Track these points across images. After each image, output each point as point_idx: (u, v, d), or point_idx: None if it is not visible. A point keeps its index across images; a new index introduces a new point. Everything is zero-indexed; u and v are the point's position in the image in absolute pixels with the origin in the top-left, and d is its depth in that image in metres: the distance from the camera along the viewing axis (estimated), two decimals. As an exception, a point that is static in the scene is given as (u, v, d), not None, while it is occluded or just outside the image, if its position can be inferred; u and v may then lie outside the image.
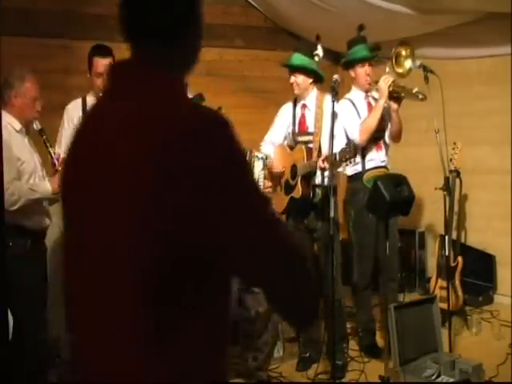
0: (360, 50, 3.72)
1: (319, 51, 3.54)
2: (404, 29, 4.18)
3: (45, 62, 4.17)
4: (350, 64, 3.76)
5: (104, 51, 3.27)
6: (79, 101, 3.32)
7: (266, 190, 3.47)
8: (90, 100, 3.32)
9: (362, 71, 3.72)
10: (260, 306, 3.29)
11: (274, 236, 1.01)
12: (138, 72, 1.07)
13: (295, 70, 3.55)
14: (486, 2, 3.85)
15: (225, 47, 5.25)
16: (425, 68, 3.50)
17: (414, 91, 3.50)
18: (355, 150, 3.10)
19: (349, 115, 3.68)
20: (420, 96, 3.47)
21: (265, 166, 3.49)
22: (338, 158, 3.13)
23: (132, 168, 0.96)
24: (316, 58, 3.55)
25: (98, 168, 1.02)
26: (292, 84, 3.58)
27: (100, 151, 1.02)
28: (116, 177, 0.98)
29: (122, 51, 4.05)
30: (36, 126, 3.00)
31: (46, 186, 2.94)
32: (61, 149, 3.17)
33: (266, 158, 3.51)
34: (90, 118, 1.13)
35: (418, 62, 3.51)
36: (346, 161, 3.12)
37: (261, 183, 3.45)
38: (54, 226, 3.20)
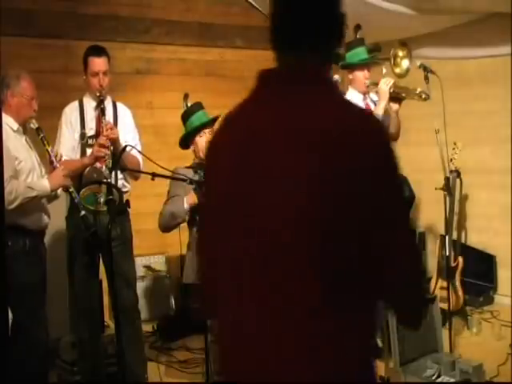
0: (359, 53, 3.69)
1: None
2: (404, 29, 4.18)
3: (45, 62, 4.19)
4: (349, 67, 3.74)
5: (99, 51, 3.27)
6: (76, 103, 3.33)
7: None
8: (87, 101, 3.32)
9: (361, 74, 3.70)
10: None
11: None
12: (301, 78, 1.14)
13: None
14: (486, 2, 3.86)
15: (225, 47, 5.26)
16: (425, 68, 3.49)
17: (417, 91, 3.50)
18: None
19: None
20: (423, 96, 3.46)
21: None
22: None
23: (316, 167, 1.05)
24: None
25: (278, 169, 1.08)
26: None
27: (274, 153, 1.09)
28: (297, 173, 1.06)
29: (120, 51, 4.10)
30: (33, 124, 3.00)
31: (44, 183, 2.93)
32: (60, 150, 3.17)
33: None
34: (250, 121, 1.19)
35: (418, 62, 3.51)
36: None
37: None
38: (54, 226, 3.21)
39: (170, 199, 3.34)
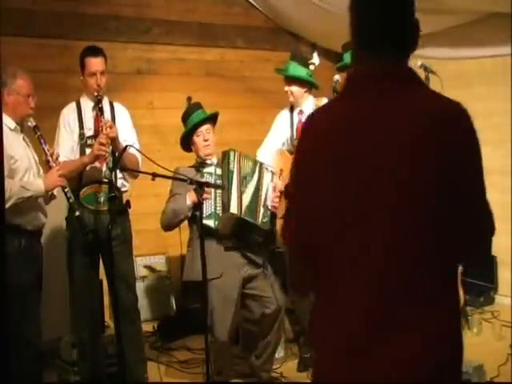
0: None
1: (315, 60, 3.57)
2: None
3: (45, 63, 4.19)
4: (345, 68, 3.73)
5: (96, 51, 3.27)
6: (73, 104, 3.33)
7: (275, 201, 3.45)
8: (84, 102, 3.32)
9: None
10: (267, 309, 3.27)
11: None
12: (396, 77, 1.29)
13: (290, 80, 3.56)
14: (486, 2, 3.85)
15: (226, 47, 5.26)
16: (426, 68, 3.49)
17: None
18: None
19: None
20: None
21: (272, 179, 3.49)
22: None
23: (419, 152, 1.22)
24: (311, 67, 3.57)
25: (385, 157, 1.24)
26: (286, 93, 3.61)
27: (383, 144, 1.24)
28: (405, 160, 1.23)
29: (120, 51, 4.10)
30: (30, 123, 2.99)
31: (39, 183, 2.92)
32: (59, 151, 3.15)
33: (272, 172, 3.53)
34: (351, 114, 1.30)
35: (419, 62, 3.50)
36: None
37: (269, 192, 3.43)
38: (53, 227, 3.21)
39: (171, 198, 3.34)
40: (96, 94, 3.21)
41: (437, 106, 1.26)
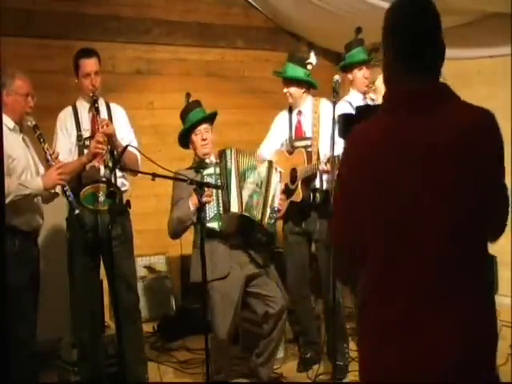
0: (358, 54, 3.71)
1: (312, 59, 3.57)
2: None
3: (45, 63, 4.20)
4: (349, 67, 3.75)
5: (89, 52, 3.29)
6: (69, 108, 3.34)
7: (280, 203, 3.43)
8: (80, 104, 3.33)
9: (360, 74, 3.72)
10: (270, 308, 3.27)
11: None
12: (443, 94, 1.49)
13: (288, 81, 3.57)
14: (486, 2, 3.86)
15: (226, 48, 5.28)
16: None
17: None
18: None
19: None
20: None
21: (281, 180, 3.46)
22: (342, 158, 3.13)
23: (458, 158, 1.41)
24: (309, 67, 3.57)
25: (435, 162, 1.41)
26: (285, 94, 3.61)
27: (437, 151, 1.41)
28: (451, 166, 1.41)
29: (120, 51, 4.08)
30: (30, 122, 3.00)
31: (38, 182, 2.92)
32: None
33: (280, 172, 3.47)
34: (400, 129, 1.47)
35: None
36: None
37: (277, 193, 3.41)
38: (54, 227, 3.21)
39: (175, 205, 3.34)
40: (91, 94, 3.21)
41: (471, 118, 1.45)
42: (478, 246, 1.47)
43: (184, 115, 3.45)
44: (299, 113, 3.67)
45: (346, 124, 1.78)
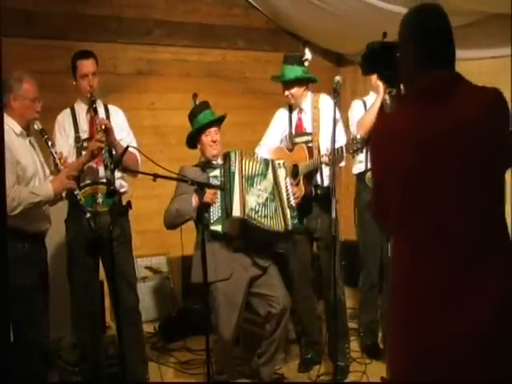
0: None
1: (308, 55, 3.58)
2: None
3: (46, 64, 4.21)
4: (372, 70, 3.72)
5: (86, 53, 3.30)
6: (68, 110, 3.35)
7: (297, 196, 3.41)
8: (78, 106, 3.34)
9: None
10: (273, 308, 3.28)
11: None
12: (459, 81, 1.68)
13: (288, 83, 3.57)
14: (486, 3, 3.86)
15: (227, 49, 5.29)
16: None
17: None
18: (362, 142, 3.12)
19: (357, 114, 3.73)
20: None
21: (288, 173, 3.45)
22: (344, 150, 3.17)
23: (478, 129, 1.60)
24: (306, 64, 3.58)
25: (457, 138, 1.60)
26: (287, 96, 3.61)
27: (450, 128, 1.60)
28: (469, 139, 1.59)
29: (122, 52, 4.06)
30: (37, 126, 2.98)
31: (48, 187, 2.90)
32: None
33: (285, 165, 3.46)
34: (425, 114, 1.65)
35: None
36: (353, 152, 3.16)
37: (289, 190, 3.39)
38: (54, 228, 3.20)
39: (176, 197, 3.34)
40: (89, 95, 3.22)
41: (486, 96, 1.63)
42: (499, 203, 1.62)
43: (192, 116, 3.45)
44: (300, 110, 3.67)
45: (369, 61, 1.97)
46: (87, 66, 3.25)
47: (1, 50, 1.32)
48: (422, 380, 1.58)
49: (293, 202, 3.38)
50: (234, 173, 3.30)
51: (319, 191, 3.53)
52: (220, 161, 3.43)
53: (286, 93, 3.60)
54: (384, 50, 1.92)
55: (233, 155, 3.34)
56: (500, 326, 1.51)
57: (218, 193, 3.27)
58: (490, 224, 1.58)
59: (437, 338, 1.54)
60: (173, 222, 3.31)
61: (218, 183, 3.29)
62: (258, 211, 3.28)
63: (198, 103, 3.50)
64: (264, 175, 3.38)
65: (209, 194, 3.23)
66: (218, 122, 3.44)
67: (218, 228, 3.25)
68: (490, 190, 1.60)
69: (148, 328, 4.17)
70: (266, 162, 3.42)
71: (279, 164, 3.44)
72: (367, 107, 3.77)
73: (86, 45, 3.73)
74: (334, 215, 3.06)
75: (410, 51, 1.70)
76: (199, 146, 3.45)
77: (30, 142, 3.02)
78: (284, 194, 3.38)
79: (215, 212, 3.27)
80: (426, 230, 1.60)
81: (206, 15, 5.17)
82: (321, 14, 4.74)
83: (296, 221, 3.37)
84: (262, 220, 3.27)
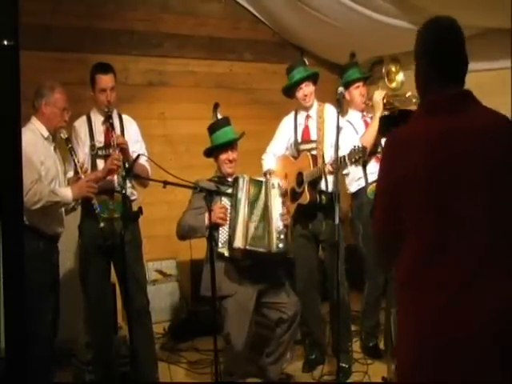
0: (353, 73, 3.89)
1: (306, 62, 3.75)
2: (405, 43, 4.25)
3: (63, 75, 4.29)
4: (346, 87, 3.82)
5: (106, 68, 3.37)
6: (84, 117, 3.43)
7: (285, 218, 3.40)
8: (94, 115, 3.42)
9: (357, 92, 3.88)
10: (284, 314, 3.35)
11: None
12: (471, 98, 1.73)
13: (307, 80, 3.66)
14: (486, 17, 3.94)
15: (234, 60, 5.38)
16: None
17: (407, 95, 3.56)
18: (364, 151, 3.18)
19: (348, 135, 3.70)
20: (414, 100, 3.47)
21: (281, 194, 3.41)
22: (347, 159, 3.21)
23: (496, 150, 1.63)
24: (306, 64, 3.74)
25: (474, 156, 1.62)
26: (307, 96, 3.66)
27: (473, 147, 1.63)
28: (487, 157, 1.62)
29: (133, 64, 4.18)
30: (63, 135, 3.13)
31: (68, 192, 3.04)
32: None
33: (279, 185, 3.43)
34: (437, 127, 1.67)
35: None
36: (355, 162, 3.21)
37: (279, 211, 3.35)
38: (66, 234, 3.31)
39: (190, 210, 3.37)
40: (106, 109, 3.31)
41: (497, 117, 1.70)
42: None
43: (212, 131, 3.49)
44: (307, 117, 3.73)
45: (387, 124, 2.05)
46: (106, 81, 3.32)
47: (19, 61, 1.39)
48: (434, 380, 1.58)
49: (280, 225, 3.32)
50: (240, 200, 3.29)
51: (324, 197, 3.59)
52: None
53: (306, 91, 3.65)
54: (401, 117, 1.98)
55: (241, 181, 3.32)
56: (506, 327, 1.53)
57: (228, 211, 3.28)
58: (507, 225, 1.59)
59: (449, 338, 1.54)
60: (184, 236, 3.37)
61: (229, 203, 3.30)
62: (253, 237, 3.27)
63: (219, 117, 3.51)
64: (258, 197, 3.35)
65: (219, 213, 3.24)
66: (235, 142, 3.48)
67: (225, 252, 3.27)
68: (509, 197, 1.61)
69: (158, 329, 4.22)
70: (260, 184, 3.38)
71: (273, 184, 3.39)
72: (354, 126, 3.84)
73: (100, 57, 3.82)
74: (337, 221, 3.13)
75: (424, 63, 1.76)
76: (216, 162, 3.50)
77: (54, 148, 3.15)
78: (273, 217, 3.33)
79: (223, 234, 3.28)
80: (442, 233, 1.59)
81: (214, 28, 5.26)
82: (324, 28, 4.82)
83: (281, 245, 3.30)
84: (255, 243, 3.28)
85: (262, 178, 3.55)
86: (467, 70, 1.75)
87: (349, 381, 3.60)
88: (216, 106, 3.56)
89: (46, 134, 3.08)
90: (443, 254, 1.58)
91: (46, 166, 3.01)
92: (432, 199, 1.62)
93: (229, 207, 3.30)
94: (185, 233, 3.35)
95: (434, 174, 1.62)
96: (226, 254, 3.28)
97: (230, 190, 3.35)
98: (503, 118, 1.71)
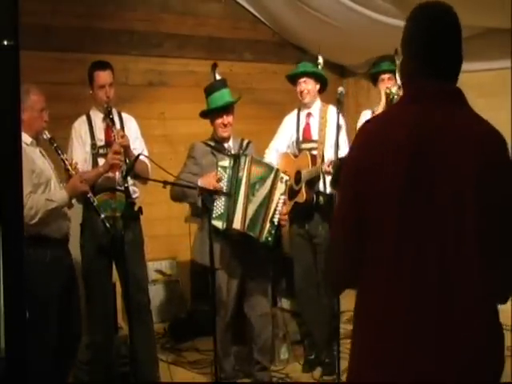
0: (384, 65, 3.84)
1: (320, 60, 3.68)
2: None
3: (63, 75, 4.33)
4: (375, 79, 3.85)
5: (103, 65, 3.38)
6: (84, 117, 3.43)
7: (283, 218, 3.41)
8: (94, 114, 3.42)
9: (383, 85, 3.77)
10: (255, 311, 3.43)
11: None
12: (456, 97, 1.53)
13: (305, 76, 3.64)
14: (486, 17, 3.96)
15: (234, 60, 5.38)
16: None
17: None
18: None
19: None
20: None
21: (285, 191, 3.41)
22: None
23: (477, 159, 1.42)
24: (319, 67, 3.68)
25: (444, 158, 1.43)
26: (302, 92, 3.65)
27: (446, 147, 1.44)
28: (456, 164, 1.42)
29: (133, 64, 4.20)
30: (46, 135, 3.04)
31: (62, 193, 2.97)
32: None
33: (287, 182, 3.41)
34: (413, 123, 1.47)
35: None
36: None
37: (279, 207, 3.36)
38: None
39: (183, 173, 3.37)
40: (106, 105, 3.31)
41: (486, 128, 1.50)
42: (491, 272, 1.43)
43: (209, 92, 3.46)
44: (308, 115, 3.73)
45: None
46: (104, 77, 3.34)
47: (19, 61, 1.39)
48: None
49: (276, 219, 3.34)
50: (241, 180, 3.30)
51: (321, 198, 3.59)
52: (231, 144, 3.46)
53: (303, 87, 3.63)
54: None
55: (243, 160, 3.33)
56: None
57: (225, 179, 3.28)
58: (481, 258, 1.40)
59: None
60: (178, 199, 3.42)
61: (226, 176, 3.29)
62: (251, 220, 3.29)
63: (217, 80, 3.47)
64: (264, 180, 3.36)
65: (211, 181, 3.23)
66: (231, 107, 3.46)
67: (219, 224, 3.26)
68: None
69: (158, 329, 4.22)
70: (271, 169, 3.40)
71: (282, 178, 3.39)
72: None
73: (100, 57, 3.79)
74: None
75: (409, 54, 1.56)
76: (212, 125, 3.48)
77: (40, 151, 3.07)
78: (272, 208, 3.34)
79: (218, 207, 3.28)
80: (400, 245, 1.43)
81: (214, 28, 5.27)
82: (324, 28, 4.84)
83: (270, 239, 3.31)
84: (249, 228, 3.30)
85: (267, 161, 3.56)
86: (459, 67, 1.56)
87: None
88: (214, 66, 3.51)
89: (28, 140, 2.97)
90: (404, 279, 1.43)
91: (36, 172, 2.92)
92: (395, 205, 1.43)
93: (225, 179, 3.29)
94: (178, 196, 3.39)
95: (403, 179, 1.43)
96: (220, 226, 3.27)
97: (226, 163, 3.33)
98: (490, 129, 1.50)
